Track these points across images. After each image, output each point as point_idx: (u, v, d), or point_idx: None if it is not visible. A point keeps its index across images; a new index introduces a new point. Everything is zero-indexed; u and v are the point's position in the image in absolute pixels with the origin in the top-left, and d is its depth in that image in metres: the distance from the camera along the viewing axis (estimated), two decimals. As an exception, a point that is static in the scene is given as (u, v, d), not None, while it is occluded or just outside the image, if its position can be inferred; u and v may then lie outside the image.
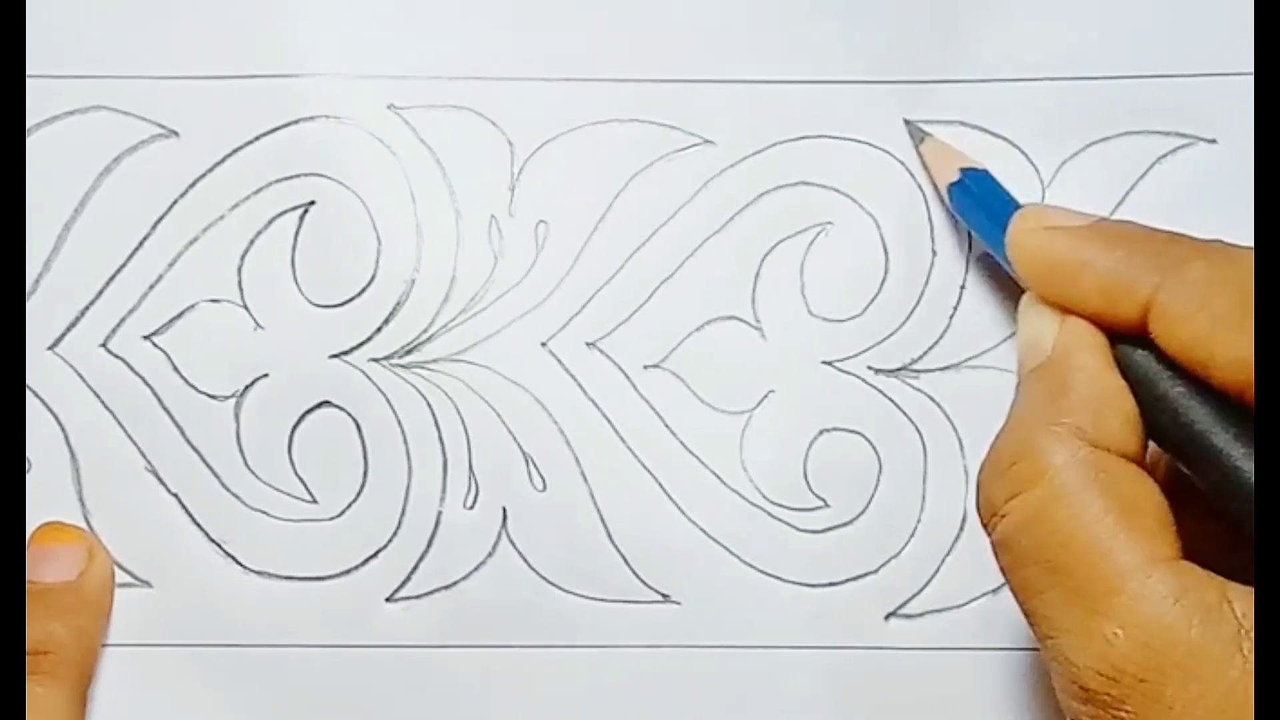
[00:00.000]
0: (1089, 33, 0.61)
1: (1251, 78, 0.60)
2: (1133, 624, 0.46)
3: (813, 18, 0.61)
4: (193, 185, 0.60)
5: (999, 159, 0.60)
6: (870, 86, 0.61)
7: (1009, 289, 0.60)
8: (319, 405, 0.60)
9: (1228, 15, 0.61)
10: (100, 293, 0.59)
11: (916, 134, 0.60)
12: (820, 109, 0.61)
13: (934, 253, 0.60)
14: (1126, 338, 0.51)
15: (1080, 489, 0.48)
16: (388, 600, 0.59)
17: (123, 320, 0.59)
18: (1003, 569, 0.50)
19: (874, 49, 0.61)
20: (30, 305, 0.59)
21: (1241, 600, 0.45)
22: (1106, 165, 0.61)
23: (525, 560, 0.59)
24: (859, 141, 0.61)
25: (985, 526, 0.50)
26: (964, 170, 0.58)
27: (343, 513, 0.59)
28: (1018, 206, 0.56)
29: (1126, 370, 0.51)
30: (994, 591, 0.59)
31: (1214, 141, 0.61)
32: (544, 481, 0.59)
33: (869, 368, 0.60)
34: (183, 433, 0.59)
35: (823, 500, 0.59)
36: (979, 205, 0.57)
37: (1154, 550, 0.47)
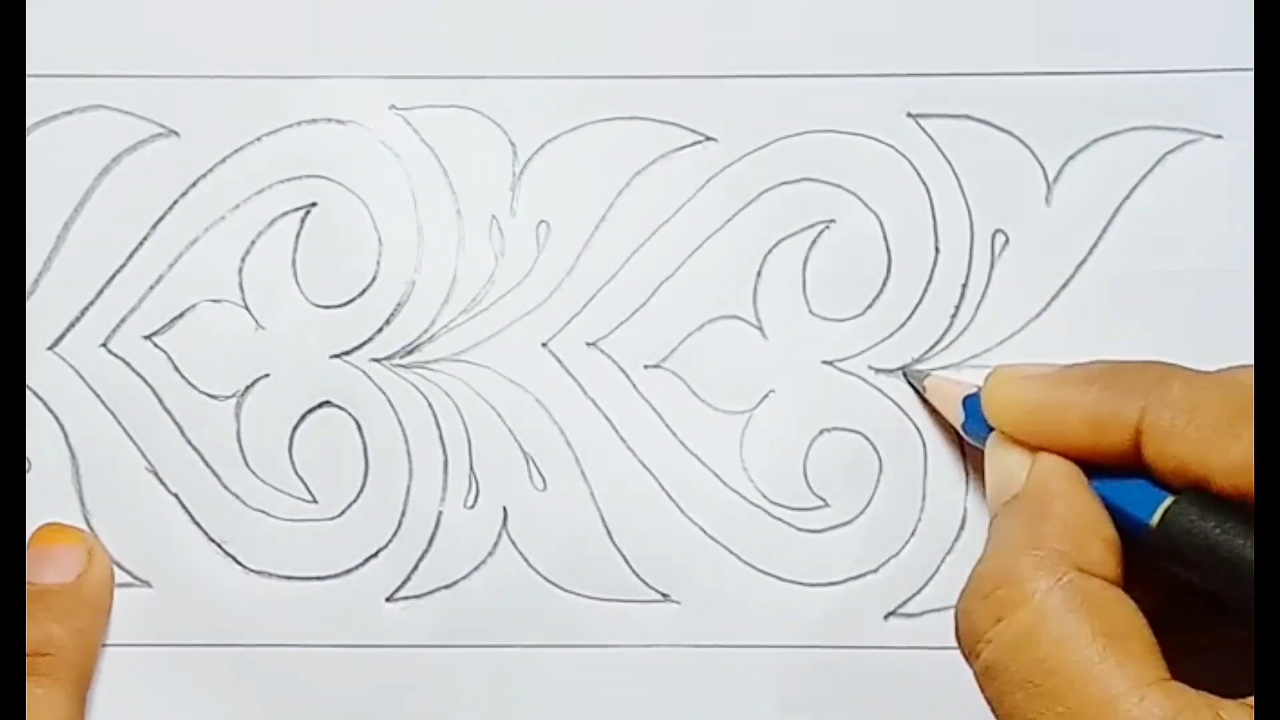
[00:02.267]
0: (1095, 27, 0.61)
1: (1257, 73, 0.60)
2: None
3: (815, 11, 0.61)
4: (193, 185, 0.60)
5: (1004, 154, 0.60)
6: (874, 80, 0.61)
7: (1011, 290, 0.60)
8: (320, 405, 0.60)
9: (1234, 11, 0.61)
10: (100, 292, 0.59)
11: (917, 379, 0.60)
12: (824, 104, 0.61)
13: (937, 250, 0.60)
14: (1100, 470, 0.51)
15: (1066, 613, 0.48)
16: (388, 600, 0.59)
17: (123, 320, 0.59)
18: (989, 698, 0.49)
19: (878, 43, 0.61)
20: (30, 305, 0.59)
21: (1234, 716, 0.45)
22: (1112, 160, 0.61)
23: (525, 560, 0.59)
24: (863, 136, 0.61)
25: (968, 656, 0.50)
26: (966, 399, 0.57)
27: (343, 513, 0.59)
28: None
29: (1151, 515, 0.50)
30: (994, 592, 0.59)
31: (1220, 137, 0.60)
32: (544, 481, 0.59)
33: (870, 367, 0.60)
34: (183, 433, 0.59)
35: (823, 500, 0.59)
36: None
37: (1143, 673, 0.46)
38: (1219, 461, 0.48)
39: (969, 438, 0.57)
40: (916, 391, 0.60)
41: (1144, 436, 0.50)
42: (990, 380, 0.55)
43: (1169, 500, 0.49)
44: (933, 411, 0.60)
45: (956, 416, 0.58)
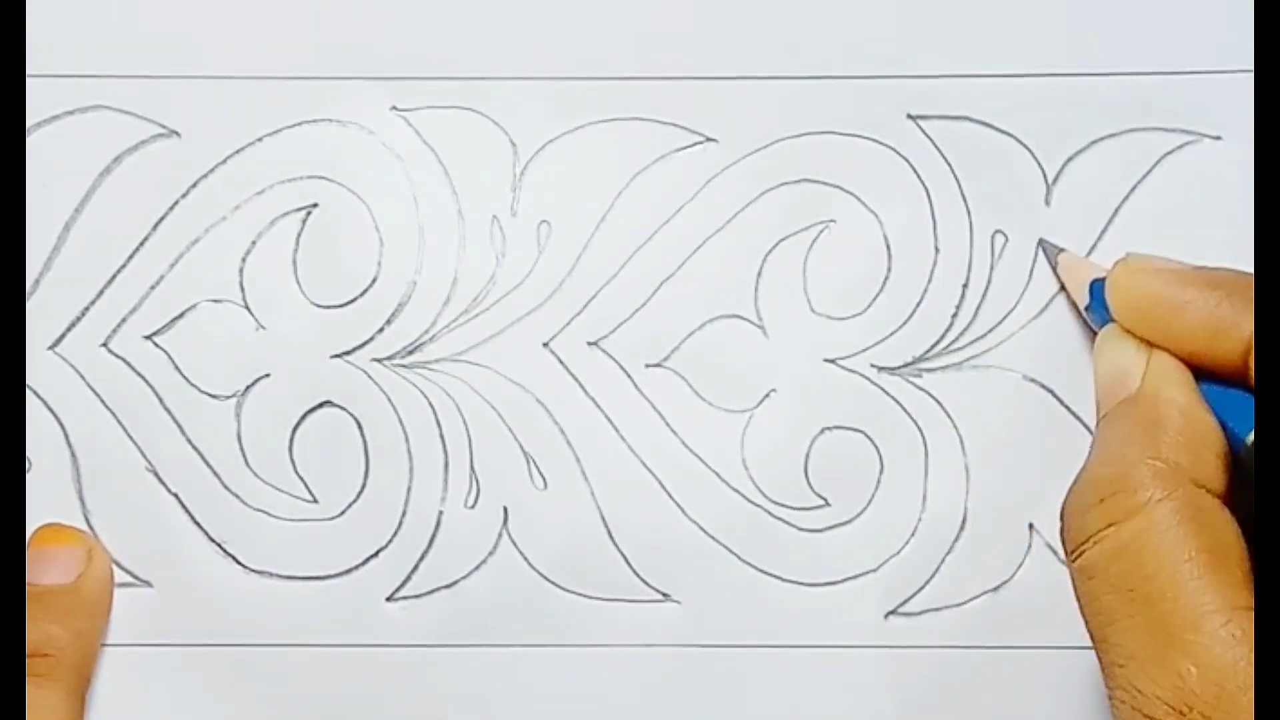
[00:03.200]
0: (1094, 29, 0.61)
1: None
2: (1207, 663, 0.46)
3: (815, 13, 0.61)
4: (194, 185, 0.60)
5: (1004, 155, 0.60)
6: (874, 82, 0.61)
7: (1011, 290, 0.60)
8: (320, 405, 0.60)
9: (1233, 12, 0.61)
10: (101, 292, 0.59)
11: (1051, 251, 0.60)
12: (824, 105, 0.61)
13: (937, 250, 0.60)
14: (1209, 375, 0.51)
15: (1175, 525, 0.48)
16: (388, 600, 0.59)
17: (124, 320, 0.59)
18: (1079, 594, 0.50)
19: (878, 44, 0.61)
20: (30, 305, 0.59)
21: None
22: (1112, 162, 0.61)
23: (526, 559, 0.59)
24: (863, 138, 0.61)
25: (1069, 552, 0.51)
26: (1094, 284, 0.57)
27: (343, 512, 0.59)
28: None
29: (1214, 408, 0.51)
30: (994, 590, 0.59)
31: (1219, 138, 0.60)
32: (545, 481, 0.59)
33: (871, 366, 0.60)
34: (183, 433, 0.59)
35: (823, 499, 0.59)
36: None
37: (1235, 597, 0.47)
38: None
39: (1091, 322, 0.58)
40: (1050, 264, 0.60)
41: (1250, 359, 0.50)
42: (1117, 267, 0.55)
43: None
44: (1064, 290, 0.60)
45: (1082, 298, 0.58)
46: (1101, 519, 0.49)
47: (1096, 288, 0.57)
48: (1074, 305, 0.59)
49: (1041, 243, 0.60)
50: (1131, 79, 0.60)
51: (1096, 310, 0.57)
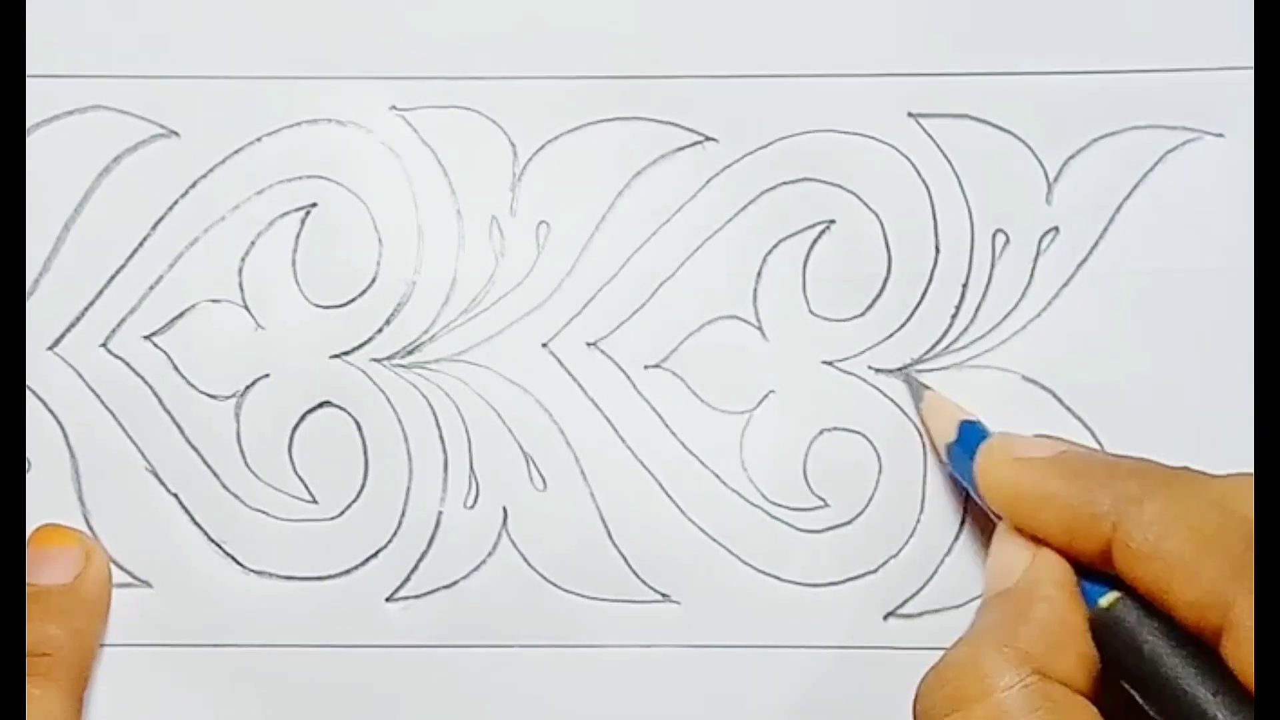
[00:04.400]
0: (1096, 26, 0.61)
1: (1258, 72, 0.60)
2: None
3: (816, 10, 0.61)
4: (193, 185, 0.60)
5: (1005, 153, 0.60)
6: (875, 80, 0.61)
7: (1012, 290, 0.60)
8: (320, 405, 0.60)
9: (1235, 9, 0.60)
10: (100, 293, 0.59)
11: (916, 389, 0.60)
12: (824, 104, 0.61)
13: (937, 250, 0.60)
14: (1097, 571, 0.52)
15: (1023, 714, 0.48)
16: (388, 600, 0.59)
17: (123, 320, 0.59)
18: None
19: (878, 42, 0.61)
20: (30, 305, 0.59)
21: None
22: (1113, 160, 0.60)
23: (525, 560, 0.59)
24: (864, 136, 0.61)
25: None
26: (962, 424, 0.58)
27: (343, 513, 0.59)
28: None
29: (1093, 604, 0.51)
30: (994, 592, 0.59)
31: (1221, 135, 0.60)
32: (544, 481, 0.59)
33: (870, 367, 0.60)
34: (183, 433, 0.59)
35: (822, 500, 0.59)
36: (970, 456, 0.57)
37: None
38: (1180, 597, 0.48)
39: (953, 468, 0.58)
40: (912, 396, 0.60)
41: (1114, 552, 0.50)
42: (983, 452, 0.55)
43: (1113, 595, 0.50)
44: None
45: (943, 438, 0.58)
46: (949, 703, 0.49)
47: (966, 432, 0.57)
48: (934, 447, 0.59)
49: (907, 376, 0.60)
50: (1133, 76, 0.60)
51: (958, 458, 0.57)
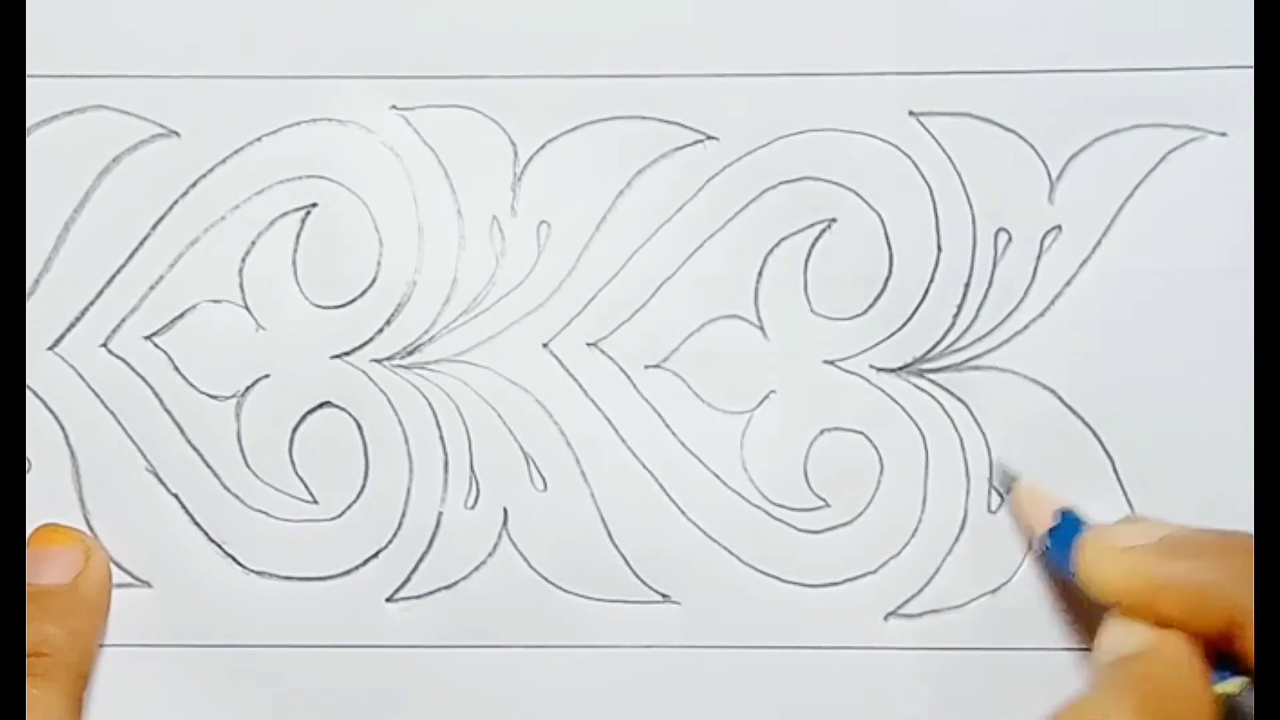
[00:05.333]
0: (1099, 25, 0.61)
1: (1260, 72, 0.60)
2: None
3: (816, 10, 0.61)
4: (193, 185, 0.60)
5: (1007, 152, 0.60)
6: (877, 78, 0.61)
7: (1014, 289, 0.60)
8: (320, 406, 0.60)
9: (1237, 8, 0.60)
10: (100, 293, 0.60)
11: (1004, 480, 0.59)
12: (825, 102, 0.61)
13: (939, 248, 0.60)
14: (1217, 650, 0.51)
15: None
16: (388, 600, 0.59)
17: (123, 320, 0.59)
18: None
19: (880, 41, 0.61)
20: (30, 305, 0.59)
21: None
22: (1116, 158, 0.60)
23: (526, 560, 0.59)
24: (865, 135, 0.61)
25: None
26: (1062, 512, 0.57)
27: (343, 513, 0.59)
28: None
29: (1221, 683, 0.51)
30: (993, 592, 0.59)
31: (1224, 134, 0.60)
32: (545, 481, 0.59)
33: (871, 367, 0.60)
34: (183, 433, 0.59)
35: (823, 500, 0.59)
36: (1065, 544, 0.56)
37: None
38: None
39: (1049, 564, 0.58)
40: (999, 492, 0.59)
41: (1237, 630, 0.50)
42: (1086, 550, 0.55)
43: (1242, 680, 0.51)
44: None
45: (1040, 526, 0.58)
46: None
47: (1060, 534, 0.57)
48: (1027, 536, 0.59)
49: (998, 466, 0.60)
50: (1136, 75, 0.60)
51: (1057, 556, 0.57)
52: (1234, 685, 0.51)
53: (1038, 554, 0.59)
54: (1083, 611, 0.58)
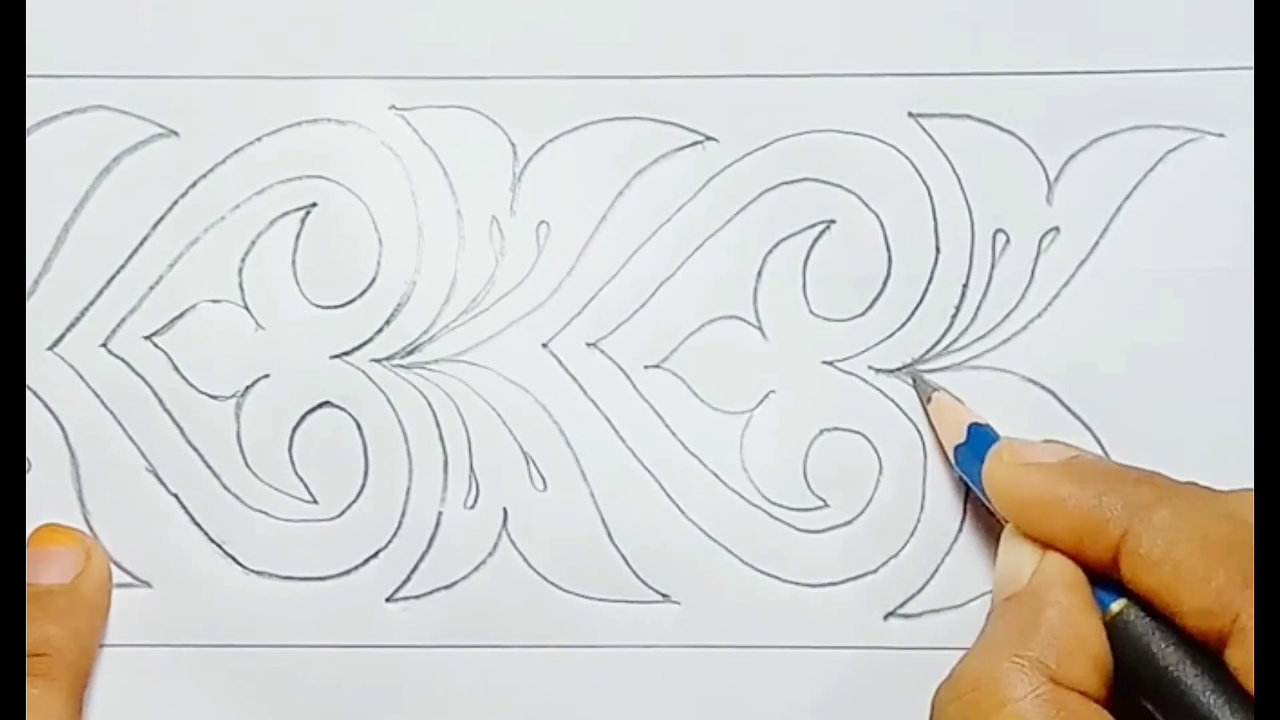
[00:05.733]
0: (1096, 26, 0.61)
1: (1258, 72, 0.60)
2: None
3: (816, 10, 0.61)
4: (193, 185, 0.60)
5: (1005, 153, 0.60)
6: (876, 80, 0.61)
7: (1012, 290, 0.60)
8: (320, 405, 0.60)
9: (1235, 9, 0.60)
10: (100, 293, 0.59)
11: (924, 389, 0.60)
12: (824, 103, 0.61)
13: (937, 250, 0.60)
14: (1104, 577, 0.52)
15: None
16: (388, 600, 0.59)
17: (123, 320, 0.59)
18: None
19: (879, 42, 0.61)
20: (30, 305, 0.59)
21: None
22: (1114, 159, 0.60)
23: (525, 560, 0.59)
24: (864, 136, 0.61)
25: None
26: (971, 426, 0.58)
27: (343, 513, 0.59)
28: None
29: (1104, 610, 0.51)
30: (994, 592, 0.59)
31: (1222, 135, 0.60)
32: (544, 481, 0.59)
33: (870, 367, 0.60)
34: (183, 433, 0.59)
35: (823, 500, 0.59)
36: (978, 458, 0.57)
37: None
38: (1188, 603, 0.49)
39: (958, 470, 0.58)
40: (920, 396, 0.59)
41: (1122, 556, 0.51)
42: (992, 456, 0.55)
43: (1122, 602, 0.51)
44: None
45: (951, 439, 0.58)
46: (962, 715, 0.50)
47: (975, 435, 0.57)
48: (940, 447, 0.59)
49: (912, 375, 0.60)
50: (1134, 76, 0.60)
51: (966, 458, 0.57)
52: (1116, 606, 0.51)
53: (952, 466, 0.59)
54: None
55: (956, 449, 0.57)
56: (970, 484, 0.57)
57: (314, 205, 0.60)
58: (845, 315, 0.60)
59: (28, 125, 0.60)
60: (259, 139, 0.60)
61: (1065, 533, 0.52)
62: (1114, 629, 0.51)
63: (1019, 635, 0.51)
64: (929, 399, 0.59)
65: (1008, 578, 0.54)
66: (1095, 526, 0.51)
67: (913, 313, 0.60)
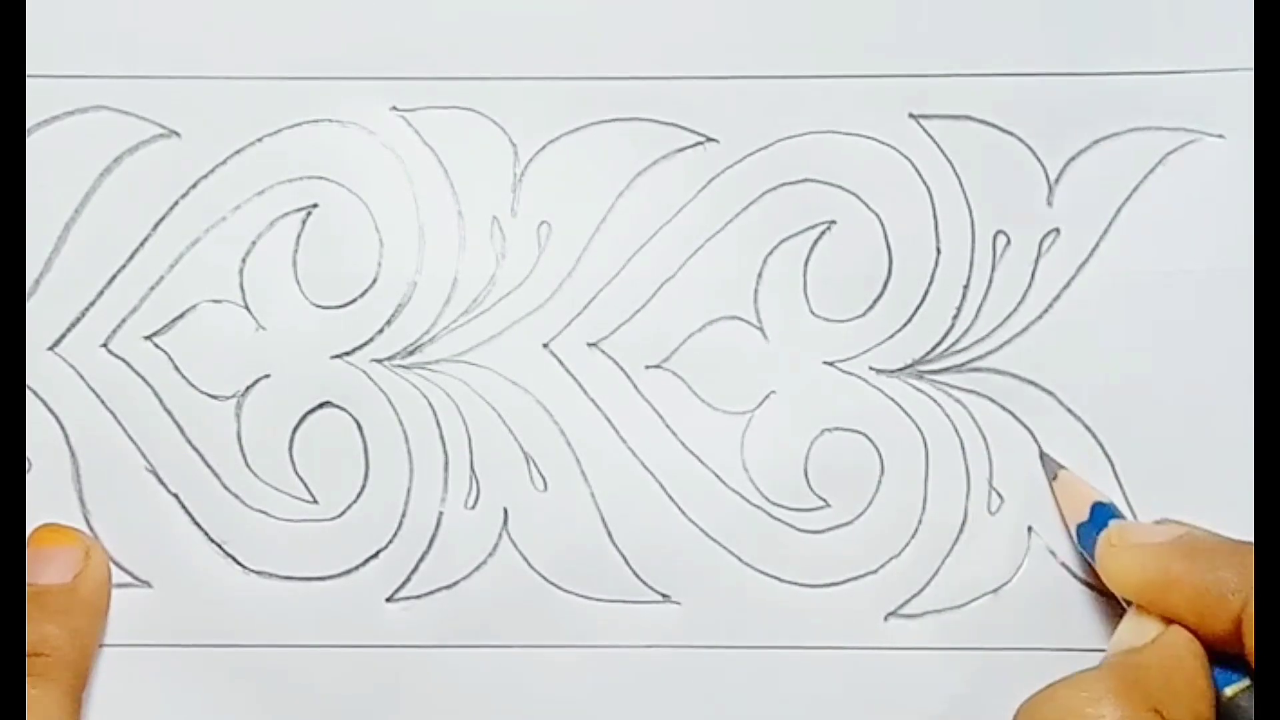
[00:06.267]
0: (1097, 28, 0.61)
1: (1258, 74, 0.60)
2: None
3: (816, 11, 0.61)
4: (194, 186, 0.60)
5: (1006, 154, 0.60)
6: (876, 81, 0.61)
7: (1013, 291, 0.60)
8: (320, 406, 0.60)
9: (1235, 11, 0.60)
10: (101, 293, 0.59)
11: (1051, 468, 0.59)
12: (825, 104, 0.61)
13: (938, 250, 0.60)
14: (1224, 651, 0.52)
15: None
16: (388, 600, 0.59)
17: (123, 320, 0.59)
18: None
19: (879, 43, 0.61)
20: (30, 305, 0.59)
21: None
22: (1114, 161, 0.61)
23: (526, 560, 0.59)
24: (865, 137, 0.61)
25: None
26: (1095, 506, 0.58)
27: (343, 513, 0.59)
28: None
29: (1219, 690, 0.52)
30: (994, 592, 0.59)
31: (1222, 137, 0.60)
32: (545, 481, 0.59)
33: (870, 368, 0.60)
34: (183, 433, 0.59)
35: (823, 500, 0.59)
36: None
37: None
38: None
39: (1081, 546, 0.58)
40: (1046, 474, 0.60)
41: (1244, 626, 0.51)
42: (1103, 545, 0.56)
43: (1244, 683, 0.51)
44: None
45: (1075, 518, 0.58)
46: None
47: (1098, 513, 0.57)
48: (1065, 524, 0.59)
49: (1042, 455, 0.60)
50: (1134, 78, 0.60)
51: (1087, 537, 0.57)
52: (1235, 688, 0.51)
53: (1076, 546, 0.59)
54: (1087, 611, 0.58)
55: (1079, 527, 0.58)
56: (1091, 562, 0.57)
57: (315, 206, 0.60)
58: (846, 316, 0.60)
59: (28, 125, 0.60)
60: (260, 139, 0.60)
61: (1185, 610, 0.52)
62: (1226, 709, 0.51)
63: (1134, 682, 0.51)
64: (1055, 477, 0.59)
65: (1128, 642, 0.54)
66: (1214, 600, 0.51)
67: (913, 313, 0.60)
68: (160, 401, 0.59)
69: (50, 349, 0.59)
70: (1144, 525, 0.56)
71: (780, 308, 0.60)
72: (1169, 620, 0.53)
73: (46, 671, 0.55)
